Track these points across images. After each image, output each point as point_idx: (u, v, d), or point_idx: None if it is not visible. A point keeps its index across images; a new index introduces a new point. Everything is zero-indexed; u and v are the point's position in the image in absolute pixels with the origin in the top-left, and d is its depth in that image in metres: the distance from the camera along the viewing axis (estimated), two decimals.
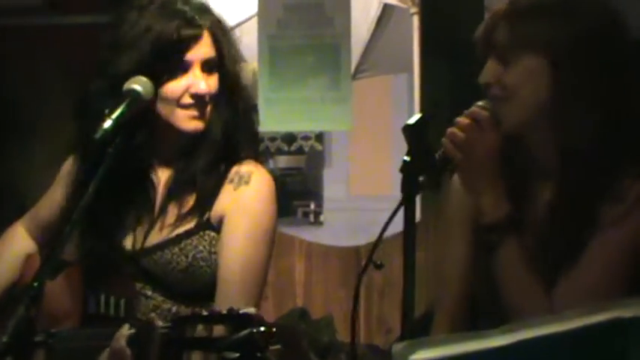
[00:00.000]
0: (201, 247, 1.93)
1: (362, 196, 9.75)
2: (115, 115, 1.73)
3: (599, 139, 1.67)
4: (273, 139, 12.16)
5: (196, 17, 1.94)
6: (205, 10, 1.98)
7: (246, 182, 1.95)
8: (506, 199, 1.70)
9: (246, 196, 1.94)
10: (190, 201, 1.96)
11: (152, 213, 1.97)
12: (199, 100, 1.93)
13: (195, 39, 1.92)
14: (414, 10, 4.62)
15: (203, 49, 1.94)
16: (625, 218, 1.65)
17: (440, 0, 4.20)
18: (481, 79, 1.73)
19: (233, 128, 1.98)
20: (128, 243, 1.96)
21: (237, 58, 2.00)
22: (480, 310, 1.80)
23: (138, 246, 1.95)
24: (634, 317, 1.08)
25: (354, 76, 5.76)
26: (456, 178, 1.84)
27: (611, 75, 1.69)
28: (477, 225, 1.74)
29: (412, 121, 1.63)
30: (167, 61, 1.91)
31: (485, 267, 1.73)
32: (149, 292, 1.93)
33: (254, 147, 2.02)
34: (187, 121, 1.94)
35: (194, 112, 1.94)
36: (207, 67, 1.94)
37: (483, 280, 1.75)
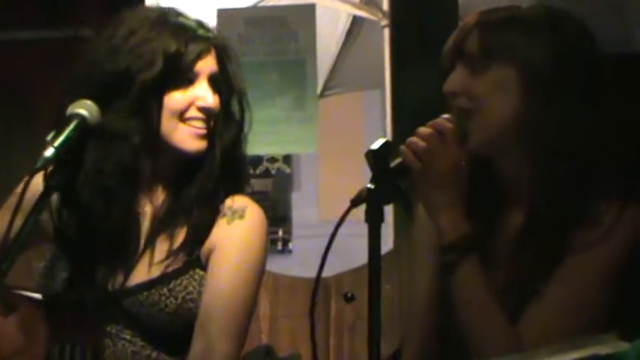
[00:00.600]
0: (191, 288, 1.91)
1: (334, 220, 9.70)
2: (58, 143, 1.70)
3: (571, 160, 1.69)
4: None
5: (202, 31, 1.98)
6: (207, 27, 2.03)
7: (241, 217, 1.96)
8: (466, 220, 1.70)
9: (240, 231, 1.95)
10: (180, 235, 1.95)
11: (137, 248, 1.94)
12: (206, 115, 1.95)
13: (204, 52, 1.96)
14: (384, 22, 4.65)
15: (211, 62, 1.98)
16: (602, 243, 1.67)
17: (411, 11, 4.23)
18: (446, 87, 1.74)
19: (232, 155, 2.00)
20: (108, 281, 1.92)
21: (241, 79, 2.03)
22: (450, 345, 1.80)
23: (119, 285, 1.92)
24: (611, 354, 1.09)
25: (323, 93, 5.78)
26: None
27: (584, 92, 1.71)
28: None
29: (375, 146, 1.63)
30: (175, 74, 1.93)
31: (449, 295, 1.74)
32: (128, 337, 1.91)
33: (247, 178, 2.06)
34: (190, 139, 1.94)
35: (198, 129, 1.95)
36: (213, 83, 1.98)
37: (450, 310, 1.76)
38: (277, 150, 5.76)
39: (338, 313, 3.70)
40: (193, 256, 1.93)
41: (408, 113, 4.14)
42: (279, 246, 11.33)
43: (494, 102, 1.71)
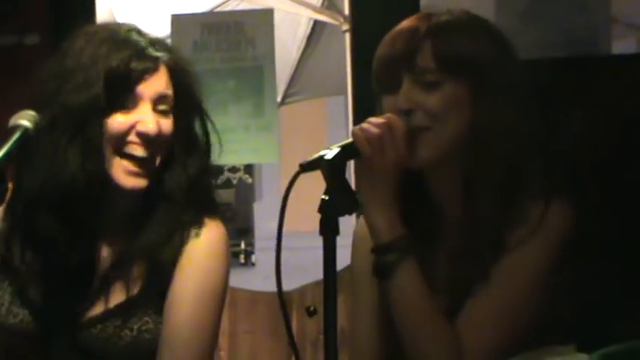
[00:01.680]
0: (147, 318, 1.87)
1: (297, 232, 9.74)
2: (0, 155, 1.68)
3: (508, 166, 1.74)
4: None
5: (151, 49, 1.89)
6: (163, 45, 1.93)
7: (197, 235, 1.90)
8: (401, 224, 1.72)
9: (196, 251, 1.89)
10: (138, 269, 1.88)
11: (92, 281, 1.89)
12: (145, 141, 1.85)
13: (148, 71, 1.86)
14: (345, 27, 4.67)
15: (157, 83, 1.88)
16: (530, 240, 1.72)
17: (373, 15, 4.24)
18: (400, 104, 1.74)
19: (198, 185, 1.92)
20: (62, 314, 1.87)
21: (198, 101, 1.94)
22: None
23: (74, 318, 1.87)
24: None
25: (284, 101, 5.79)
26: (360, 225, 1.86)
27: (517, 98, 1.77)
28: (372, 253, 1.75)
29: (330, 155, 1.63)
30: (116, 93, 1.84)
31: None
32: None
33: (214, 205, 1.96)
34: (125, 175, 1.85)
35: (134, 166, 1.85)
36: (161, 106, 1.88)
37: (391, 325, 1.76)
38: (236, 160, 5.75)
39: (300, 327, 3.70)
40: (148, 290, 1.88)
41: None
42: (242, 259, 11.29)
43: (450, 118, 1.73)
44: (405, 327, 1.71)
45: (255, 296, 4.07)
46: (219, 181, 12.26)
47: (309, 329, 3.68)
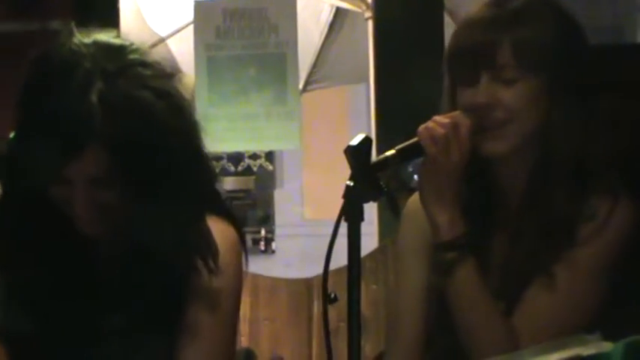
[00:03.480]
0: (157, 336, 1.76)
1: (318, 219, 9.75)
2: None
3: (579, 160, 1.74)
4: (218, 158, 12.11)
5: (78, 119, 1.57)
6: (92, 95, 1.58)
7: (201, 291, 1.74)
8: (462, 220, 1.72)
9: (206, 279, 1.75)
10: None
11: (98, 291, 1.77)
12: (82, 214, 1.64)
13: (73, 151, 1.58)
14: (368, 14, 4.66)
15: (86, 166, 1.60)
16: (596, 236, 1.71)
17: (395, 3, 4.24)
18: (479, 99, 1.73)
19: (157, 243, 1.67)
20: (72, 324, 1.77)
21: (144, 166, 1.61)
22: (438, 351, 1.81)
23: (82, 329, 1.77)
24: (594, 355, 1.10)
25: (306, 88, 5.78)
26: (411, 201, 1.86)
27: (586, 92, 1.76)
28: (432, 250, 1.74)
29: (355, 142, 1.63)
30: (42, 172, 1.61)
31: (440, 298, 1.75)
32: None
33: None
34: (84, 227, 1.67)
35: (79, 221, 1.66)
36: (99, 183, 1.62)
37: (439, 314, 1.76)
38: (257, 147, 5.74)
39: (321, 315, 3.70)
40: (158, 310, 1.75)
41: (392, 108, 4.14)
42: (262, 246, 11.31)
43: (528, 113, 1.74)
44: (463, 323, 1.72)
45: (275, 283, 4.08)
46: (239, 169, 12.27)
47: (329, 316, 3.68)
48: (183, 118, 1.68)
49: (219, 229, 1.80)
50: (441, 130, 1.68)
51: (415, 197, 1.83)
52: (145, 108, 1.61)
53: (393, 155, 1.64)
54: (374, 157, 1.71)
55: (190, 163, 1.68)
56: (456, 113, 1.73)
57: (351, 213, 1.56)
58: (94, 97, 1.58)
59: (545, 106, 1.74)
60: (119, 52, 1.65)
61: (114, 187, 1.63)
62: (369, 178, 1.61)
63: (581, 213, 1.72)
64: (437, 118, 1.71)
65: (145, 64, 1.65)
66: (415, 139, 1.69)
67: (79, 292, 1.78)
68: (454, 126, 1.69)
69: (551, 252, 1.71)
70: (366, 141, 1.63)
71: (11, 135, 1.69)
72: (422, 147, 1.68)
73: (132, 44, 1.69)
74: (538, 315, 1.69)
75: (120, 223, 1.68)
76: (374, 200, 1.61)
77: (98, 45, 1.65)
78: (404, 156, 1.66)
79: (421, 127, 1.69)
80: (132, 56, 1.65)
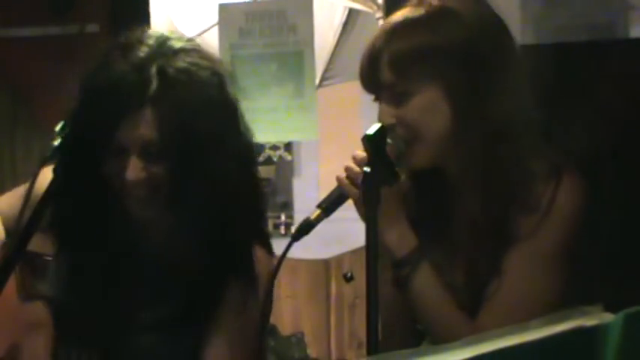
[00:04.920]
0: (182, 340, 1.77)
1: None
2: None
3: (501, 150, 1.64)
4: None
5: (136, 84, 1.60)
6: (151, 69, 1.61)
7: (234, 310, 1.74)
8: (410, 232, 1.67)
9: (235, 302, 1.74)
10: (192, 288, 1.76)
11: (141, 284, 1.79)
12: (133, 189, 1.65)
13: (129, 115, 1.60)
14: (379, 14, 4.64)
15: (140, 129, 1.61)
16: (540, 228, 1.64)
17: (404, 3, 4.22)
18: (381, 121, 1.67)
19: (192, 239, 1.68)
20: (110, 312, 1.78)
21: (195, 136, 1.61)
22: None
23: (117, 318, 1.80)
24: (596, 325, 1.09)
25: (321, 84, 5.77)
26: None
27: (499, 82, 1.64)
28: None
29: (371, 131, 1.62)
30: (99, 141, 1.64)
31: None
32: None
33: (247, 260, 1.72)
34: (132, 209, 1.68)
35: (136, 204, 1.68)
36: (148, 152, 1.63)
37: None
38: (278, 138, 5.75)
39: (338, 292, 3.71)
40: (194, 306, 1.76)
41: None
42: (282, 230, 11.33)
43: (427, 125, 1.65)
44: (427, 328, 1.70)
45: (296, 264, 4.09)
46: (260, 159, 12.25)
47: (346, 293, 3.69)
48: (232, 98, 1.71)
49: (261, 260, 1.77)
50: (357, 170, 1.61)
51: None
52: (200, 82, 1.64)
53: (318, 215, 1.58)
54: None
55: (238, 143, 1.70)
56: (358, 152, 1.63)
57: (369, 197, 1.56)
58: (153, 69, 1.61)
59: (449, 111, 1.63)
60: (179, 39, 1.69)
61: (164, 159, 1.63)
62: (385, 163, 1.60)
63: (524, 205, 1.63)
64: (353, 154, 1.62)
65: (200, 51, 1.69)
66: (335, 188, 1.63)
67: (124, 273, 1.79)
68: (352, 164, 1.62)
69: (493, 251, 1.65)
70: (382, 130, 1.63)
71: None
72: (345, 193, 1.62)
73: (189, 38, 1.75)
74: (500, 312, 1.65)
75: (166, 203, 1.67)
76: (389, 184, 1.61)
77: (160, 35, 1.69)
78: (331, 209, 1.60)
79: (338, 175, 1.62)
80: (189, 43, 1.70)
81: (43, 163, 1.68)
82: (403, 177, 1.68)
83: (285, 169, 12.10)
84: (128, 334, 1.80)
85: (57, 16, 3.77)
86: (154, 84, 1.61)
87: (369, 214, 1.55)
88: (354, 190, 1.62)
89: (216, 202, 1.66)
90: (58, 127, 1.70)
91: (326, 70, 5.80)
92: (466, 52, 1.63)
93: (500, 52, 1.66)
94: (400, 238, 1.67)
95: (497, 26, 1.69)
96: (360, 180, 1.60)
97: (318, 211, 1.61)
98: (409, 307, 1.70)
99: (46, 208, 1.65)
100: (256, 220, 1.78)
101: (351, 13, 5.51)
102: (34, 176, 1.63)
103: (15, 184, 1.97)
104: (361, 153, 1.63)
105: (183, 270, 1.73)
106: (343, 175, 1.64)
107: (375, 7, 4.75)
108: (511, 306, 1.64)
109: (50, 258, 1.86)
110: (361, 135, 1.64)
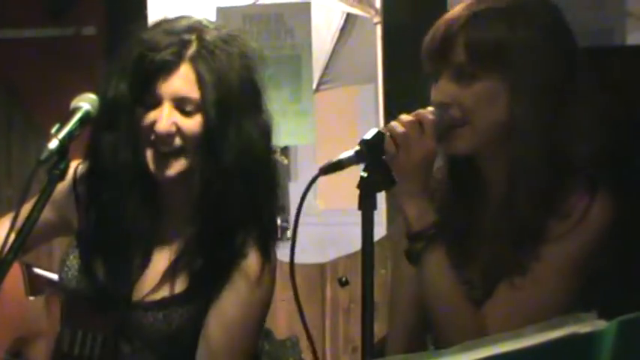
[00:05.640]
0: (187, 316, 1.84)
1: (330, 209, 9.77)
2: (62, 135, 1.69)
3: (549, 158, 1.67)
4: None
5: (175, 44, 1.77)
6: (191, 36, 1.78)
7: (245, 257, 1.83)
8: (431, 210, 1.68)
9: (243, 275, 1.82)
10: (193, 272, 1.84)
11: (148, 263, 1.88)
12: (161, 140, 1.78)
13: (167, 70, 1.76)
14: (376, 19, 4.65)
15: (176, 83, 1.77)
16: (570, 234, 1.66)
17: (403, 8, 4.23)
18: (435, 98, 1.69)
19: (223, 195, 1.79)
20: (117, 290, 1.86)
21: (232, 99, 1.76)
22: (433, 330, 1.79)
23: (126, 297, 1.86)
24: (590, 332, 1.10)
25: (318, 88, 5.79)
26: None
27: (563, 90, 1.68)
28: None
29: (368, 135, 1.62)
30: (140, 90, 1.78)
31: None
32: (129, 347, 1.87)
33: (263, 232, 1.85)
34: (154, 166, 1.80)
35: (161, 159, 1.79)
36: (183, 105, 1.77)
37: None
38: (275, 141, 5.77)
39: (333, 297, 3.71)
40: (196, 285, 1.84)
41: (399, 106, 4.13)
42: (279, 234, 11.34)
43: (483, 113, 1.67)
44: (431, 309, 1.70)
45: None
46: None
47: (341, 298, 3.69)
48: (259, 80, 1.88)
49: (268, 259, 1.85)
50: (400, 129, 1.63)
51: None
52: (234, 53, 1.81)
53: (350, 157, 1.58)
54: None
55: (262, 117, 1.84)
56: (421, 110, 1.68)
57: (365, 202, 1.56)
58: (193, 35, 1.78)
59: (509, 105, 1.65)
60: (214, 23, 1.88)
61: (193, 115, 1.77)
62: (381, 169, 1.60)
63: (557, 211, 1.66)
64: (401, 116, 1.66)
65: (238, 35, 1.89)
66: (377, 138, 1.63)
67: (143, 246, 1.87)
68: (417, 123, 1.64)
69: (520, 249, 1.66)
70: (379, 135, 1.63)
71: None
72: (383, 147, 1.62)
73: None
74: (505, 308, 1.66)
75: (191, 168, 1.79)
76: (386, 190, 1.61)
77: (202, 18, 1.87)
78: (363, 157, 1.60)
79: (382, 128, 1.64)
80: (225, 29, 1.87)
81: (39, 165, 1.68)
82: (438, 162, 1.70)
83: (282, 173, 12.15)
84: (136, 310, 1.86)
85: (53, 18, 3.77)
86: (193, 45, 1.77)
87: (364, 216, 1.55)
88: (392, 147, 1.63)
89: (240, 165, 1.79)
90: (53, 129, 1.71)
91: (323, 75, 5.82)
92: (535, 51, 1.66)
93: (565, 55, 1.70)
94: (420, 212, 1.67)
95: (566, 29, 1.72)
96: (399, 139, 1.62)
97: (351, 153, 1.60)
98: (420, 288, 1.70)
99: (43, 207, 1.66)
100: (273, 196, 1.88)
101: (349, 18, 5.53)
102: (30, 176, 1.64)
103: (10, 185, 1.99)
104: (408, 116, 1.66)
105: (203, 235, 1.82)
106: (386, 128, 1.65)
107: (373, 12, 4.76)
108: (520, 303, 1.66)
109: (39, 271, 1.91)
110: (358, 140, 1.64)
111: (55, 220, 1.96)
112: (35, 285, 1.93)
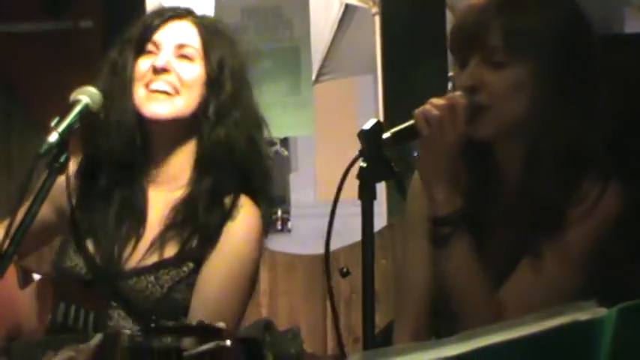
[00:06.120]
0: (178, 278, 1.89)
1: (330, 200, 9.74)
2: (61, 128, 1.70)
3: (569, 146, 1.68)
4: None
5: (178, 10, 1.99)
6: (188, 9, 2.01)
7: (232, 218, 1.91)
8: (459, 196, 1.69)
9: (230, 235, 1.90)
10: (184, 234, 1.91)
11: (136, 234, 1.93)
12: (161, 75, 1.91)
13: (170, 20, 1.95)
14: (375, 10, 4.65)
15: (179, 32, 1.95)
16: (584, 219, 1.67)
17: (400, 0, 4.23)
18: (465, 81, 1.69)
19: (225, 138, 1.91)
20: (107, 263, 1.92)
21: (226, 62, 1.95)
22: (441, 317, 1.80)
23: (117, 267, 1.92)
24: (591, 319, 1.10)
25: (317, 79, 5.78)
26: (417, 177, 1.85)
27: (583, 81, 1.70)
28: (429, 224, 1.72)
29: (368, 126, 1.62)
30: (143, 43, 1.94)
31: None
32: (122, 315, 1.91)
33: (262, 176, 1.96)
34: (146, 103, 1.91)
35: (155, 96, 1.91)
36: (182, 51, 1.94)
37: (441, 283, 1.76)
38: (274, 134, 5.76)
39: (334, 287, 3.71)
40: (186, 247, 1.90)
41: (398, 96, 4.14)
42: (279, 225, 11.33)
43: (512, 99, 1.68)
44: (453, 294, 1.70)
45: (292, 259, 4.08)
46: None
47: (342, 289, 3.69)
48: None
49: (255, 213, 1.92)
50: (435, 112, 1.64)
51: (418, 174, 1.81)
52: (230, 32, 2.03)
53: (387, 138, 1.60)
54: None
55: (252, 96, 2.02)
56: (454, 95, 1.68)
57: (365, 192, 1.56)
58: (189, 10, 2.01)
59: (533, 93, 1.67)
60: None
61: (192, 60, 1.93)
62: (380, 159, 1.60)
63: (571, 196, 1.68)
64: (434, 100, 1.66)
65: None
66: (411, 122, 1.66)
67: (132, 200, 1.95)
68: (450, 107, 1.65)
69: (539, 234, 1.67)
70: (378, 125, 1.62)
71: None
72: (417, 129, 1.64)
73: None
74: (522, 292, 1.67)
75: (181, 117, 1.91)
76: (385, 180, 1.61)
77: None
78: (399, 138, 1.62)
79: (417, 110, 1.65)
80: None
81: (39, 159, 1.68)
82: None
83: (282, 165, 12.13)
84: (130, 277, 1.91)
85: (51, 12, 3.76)
86: (192, 13, 2.00)
87: (364, 206, 1.55)
88: (426, 129, 1.64)
89: (235, 120, 1.94)
90: (53, 122, 1.71)
91: (322, 66, 5.81)
92: (565, 40, 1.68)
93: (588, 45, 1.72)
94: (448, 196, 1.68)
95: (587, 19, 1.75)
96: (433, 121, 1.64)
97: (387, 134, 1.61)
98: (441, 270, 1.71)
99: (43, 200, 1.67)
100: (260, 158, 1.98)
101: (348, 9, 5.52)
102: (31, 170, 1.65)
103: (10, 180, 2.00)
104: (440, 99, 1.66)
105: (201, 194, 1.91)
106: (420, 111, 1.66)
107: (371, 3, 4.75)
108: (536, 286, 1.67)
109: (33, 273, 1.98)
110: (357, 130, 1.64)
111: (51, 215, 2.00)
112: (26, 279, 1.96)
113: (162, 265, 1.90)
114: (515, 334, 1.11)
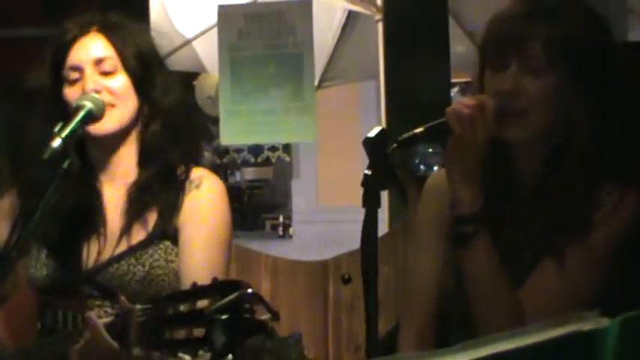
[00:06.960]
0: (157, 256, 1.95)
1: (331, 207, 9.77)
2: (65, 134, 1.71)
3: (594, 152, 1.72)
4: (239, 150, 12.12)
5: (81, 22, 2.00)
6: (96, 16, 2.02)
7: (197, 186, 1.98)
8: (482, 195, 1.71)
9: (198, 203, 1.97)
10: (149, 215, 1.98)
11: (103, 228, 1.98)
12: (94, 87, 1.93)
13: (79, 39, 1.96)
14: (378, 16, 4.64)
15: (90, 47, 1.96)
16: (607, 222, 1.70)
17: (403, 6, 4.23)
18: (504, 86, 1.72)
19: (152, 136, 1.99)
20: (82, 262, 1.96)
21: (144, 57, 1.99)
22: (451, 324, 1.80)
23: (91, 263, 1.96)
24: (593, 330, 1.10)
25: (320, 85, 5.78)
26: (431, 178, 1.86)
27: (607, 88, 1.73)
28: (450, 223, 1.74)
29: (372, 134, 1.63)
30: (60, 68, 1.96)
31: (456, 271, 1.74)
32: (109, 309, 1.92)
33: (196, 147, 2.05)
34: (92, 127, 1.92)
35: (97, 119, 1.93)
36: (103, 66, 1.95)
37: (454, 287, 1.76)
38: (276, 139, 5.76)
39: (336, 294, 3.71)
40: (156, 230, 1.96)
41: (401, 103, 4.14)
42: (280, 231, 11.34)
43: (548, 105, 1.71)
44: (474, 294, 1.71)
45: (293, 265, 4.08)
46: (259, 160, 12.25)
47: (344, 296, 3.69)
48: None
49: (212, 176, 2.02)
50: (466, 111, 1.67)
51: (435, 175, 1.83)
52: (137, 28, 2.05)
53: (421, 132, 1.65)
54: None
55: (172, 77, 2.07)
56: (482, 96, 1.71)
57: (369, 199, 1.56)
58: (96, 15, 2.03)
59: (568, 99, 1.70)
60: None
61: (115, 75, 1.95)
62: (385, 167, 1.61)
63: (592, 202, 1.70)
64: (464, 99, 1.71)
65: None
66: (443, 119, 1.69)
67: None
68: (480, 107, 1.68)
69: (561, 235, 1.70)
70: (382, 133, 1.63)
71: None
72: (449, 126, 1.67)
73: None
74: (544, 293, 1.68)
75: (122, 125, 1.95)
76: (390, 188, 1.61)
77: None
78: (431, 134, 1.67)
79: (449, 108, 1.69)
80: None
81: (42, 164, 1.69)
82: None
83: (284, 170, 12.12)
84: (111, 266, 1.95)
85: (52, 16, 3.75)
86: (97, 19, 2.02)
87: (368, 213, 1.55)
88: (458, 127, 1.67)
89: (171, 104, 2.00)
90: (56, 128, 1.71)
91: (325, 72, 5.81)
92: (601, 51, 1.73)
93: (614, 54, 1.77)
94: (473, 195, 1.70)
95: (611, 29, 1.79)
96: (464, 120, 1.67)
97: (421, 129, 1.66)
98: (462, 271, 1.71)
99: (46, 206, 1.69)
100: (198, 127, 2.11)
101: (351, 16, 5.52)
102: (34, 176, 1.65)
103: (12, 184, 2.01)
104: (470, 99, 1.70)
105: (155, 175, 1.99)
106: (452, 109, 1.69)
107: (375, 10, 4.75)
108: (556, 290, 1.68)
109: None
110: (360, 137, 1.65)
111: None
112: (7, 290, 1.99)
113: (138, 247, 1.95)
114: (518, 344, 1.11)
